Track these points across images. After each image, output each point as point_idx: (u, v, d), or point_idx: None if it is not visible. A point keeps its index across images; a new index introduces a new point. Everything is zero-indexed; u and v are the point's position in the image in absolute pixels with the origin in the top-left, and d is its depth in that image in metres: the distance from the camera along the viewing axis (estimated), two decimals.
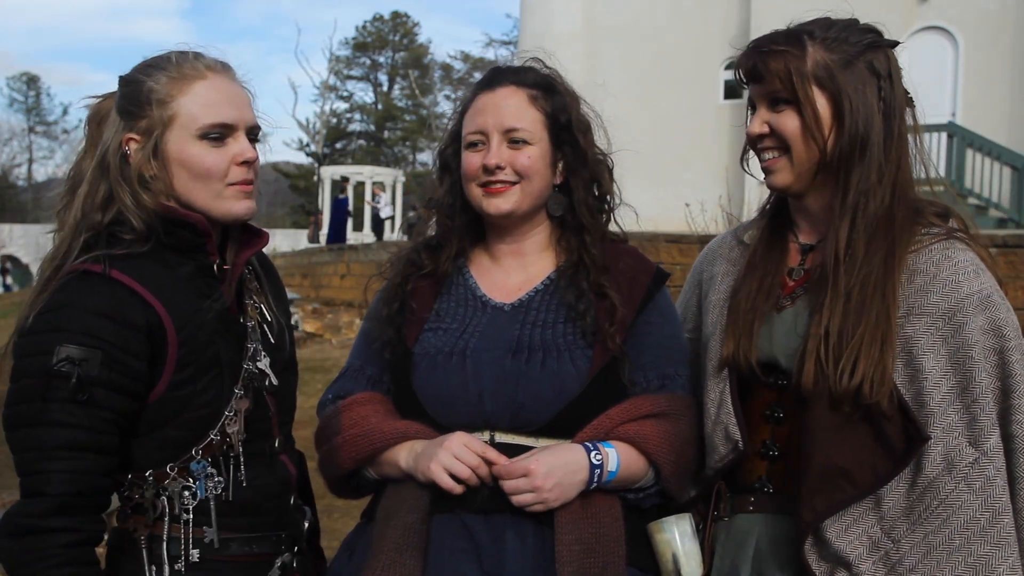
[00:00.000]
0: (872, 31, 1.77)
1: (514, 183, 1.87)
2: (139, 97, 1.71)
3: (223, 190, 1.74)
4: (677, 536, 1.83)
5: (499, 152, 1.86)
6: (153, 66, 1.74)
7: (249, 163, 1.76)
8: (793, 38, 1.75)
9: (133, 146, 1.71)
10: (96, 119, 1.78)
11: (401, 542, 1.74)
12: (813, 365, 1.70)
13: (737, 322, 1.84)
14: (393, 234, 25.95)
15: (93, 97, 1.81)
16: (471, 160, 1.90)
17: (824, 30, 1.75)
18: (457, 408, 1.82)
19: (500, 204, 1.88)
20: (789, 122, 1.75)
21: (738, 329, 1.83)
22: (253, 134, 1.79)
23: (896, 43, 1.79)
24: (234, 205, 1.76)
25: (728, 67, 19.67)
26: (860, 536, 1.68)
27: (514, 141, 1.87)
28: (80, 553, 1.63)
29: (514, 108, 1.88)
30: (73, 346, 1.60)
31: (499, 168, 1.86)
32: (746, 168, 1.90)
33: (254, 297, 1.88)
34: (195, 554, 1.71)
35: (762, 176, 1.84)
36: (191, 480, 1.72)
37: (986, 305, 1.68)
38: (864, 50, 1.74)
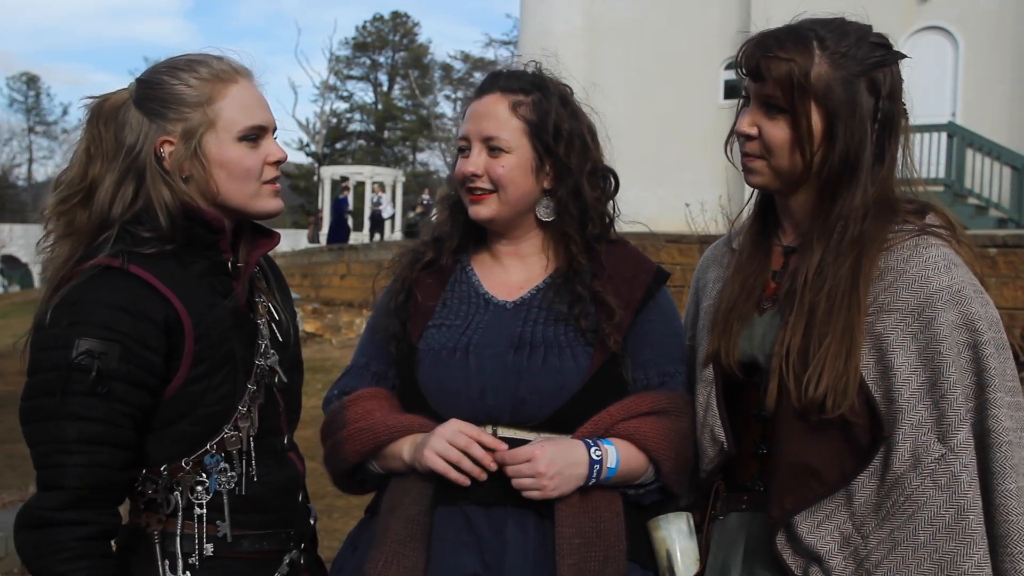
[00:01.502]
0: (883, 46, 1.74)
1: (492, 191, 1.90)
2: (173, 100, 1.73)
3: (259, 189, 1.80)
4: (673, 533, 1.84)
5: (477, 160, 1.90)
6: (179, 68, 1.76)
7: (279, 163, 1.83)
8: (802, 45, 1.71)
9: (167, 148, 1.73)
10: (100, 119, 1.77)
11: (404, 534, 1.76)
12: (776, 384, 1.71)
13: (718, 322, 1.85)
14: (393, 233, 25.97)
15: (92, 97, 1.81)
16: (459, 166, 1.95)
17: (835, 40, 1.71)
18: (460, 403, 1.83)
19: (480, 211, 1.92)
20: (779, 132, 1.73)
21: (718, 329, 1.84)
22: (274, 133, 1.85)
23: (903, 56, 1.77)
24: (269, 203, 1.82)
25: (728, 67, 19.68)
26: (832, 532, 1.68)
27: (492, 149, 1.90)
28: (96, 546, 1.64)
29: (494, 117, 1.91)
30: (93, 339, 1.61)
31: (476, 176, 1.90)
32: (729, 156, 1.89)
33: (263, 296, 1.91)
34: (209, 548, 1.72)
35: (741, 168, 1.83)
36: (204, 475, 1.73)
37: (957, 300, 1.66)
38: (869, 68, 1.71)
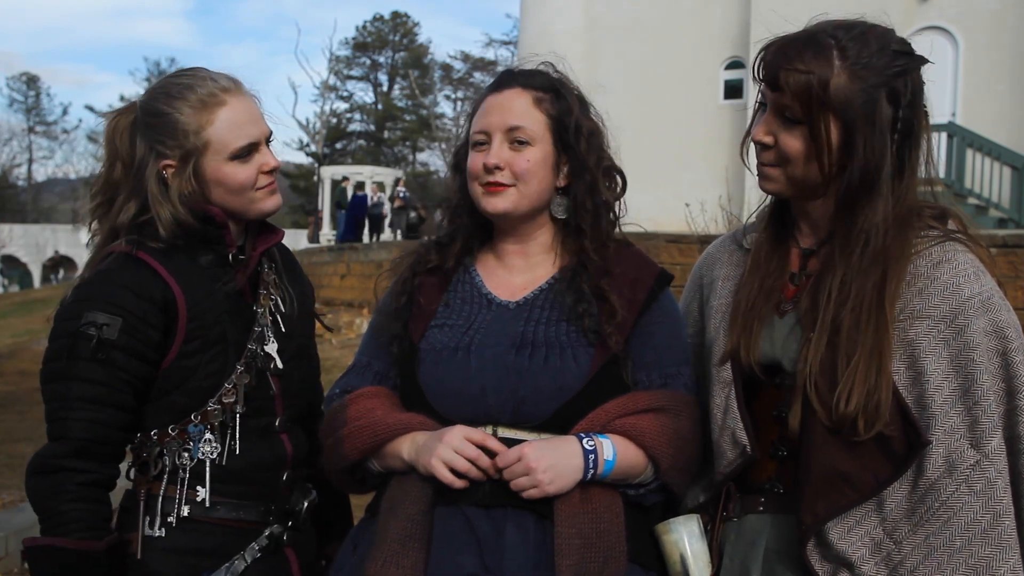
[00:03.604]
0: (905, 53, 1.72)
1: (511, 185, 1.89)
2: (169, 130, 1.92)
3: (254, 195, 1.97)
4: (685, 537, 1.82)
5: (499, 152, 1.89)
6: (173, 96, 1.94)
7: (274, 171, 2.00)
8: (822, 55, 1.68)
9: (170, 171, 1.93)
10: (116, 133, 1.98)
11: (404, 534, 1.75)
12: (800, 400, 1.70)
13: (737, 320, 1.83)
14: (395, 235, 25.85)
15: (110, 113, 2.02)
16: (474, 159, 1.93)
17: (856, 49, 1.68)
18: (460, 402, 1.83)
19: (497, 203, 1.90)
20: (795, 143, 1.71)
21: (738, 327, 1.82)
22: (268, 140, 2.01)
23: (925, 61, 1.75)
24: (265, 204, 2.00)
25: (728, 67, 19.70)
26: (863, 538, 1.67)
27: (515, 141, 1.89)
28: (92, 492, 1.85)
29: (518, 109, 1.90)
30: (99, 312, 1.85)
31: (497, 168, 1.88)
32: (744, 159, 1.88)
33: (270, 288, 2.06)
34: (186, 510, 1.91)
35: (756, 173, 1.82)
36: (190, 443, 1.92)
37: (987, 307, 1.67)
38: (890, 78, 1.69)
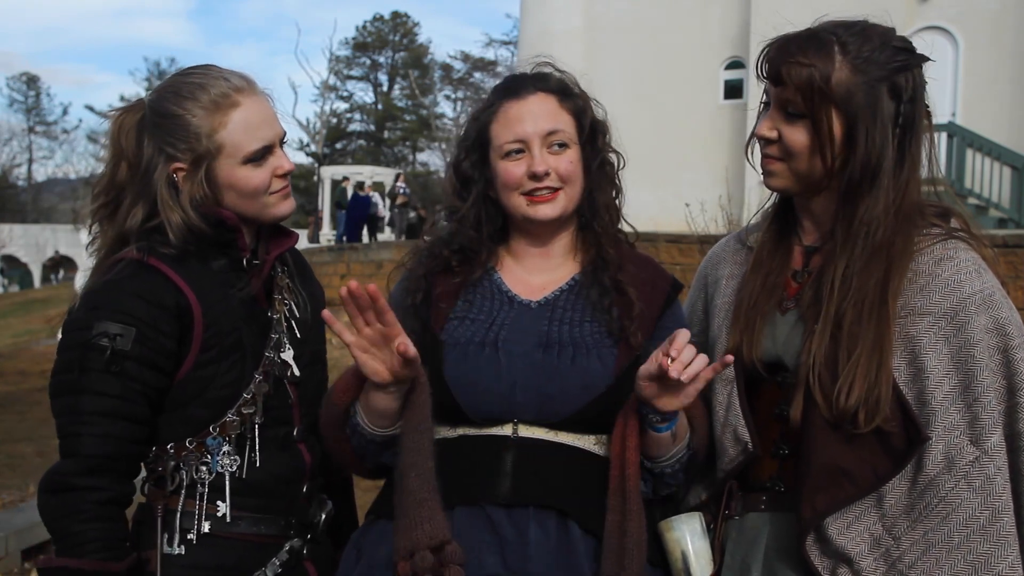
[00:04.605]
0: (906, 50, 1.74)
1: (558, 189, 1.89)
2: (180, 132, 1.84)
3: (267, 199, 1.91)
4: (687, 534, 1.84)
5: (544, 158, 1.88)
6: (183, 96, 1.85)
7: (287, 174, 1.93)
8: (823, 50, 1.70)
9: (180, 175, 1.86)
10: (123, 132, 1.90)
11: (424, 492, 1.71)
12: (802, 394, 1.71)
13: (740, 317, 1.85)
14: (400, 238, 25.77)
15: (115, 111, 1.94)
16: (512, 170, 1.90)
17: (857, 45, 1.70)
18: (488, 398, 1.83)
19: (548, 211, 1.90)
20: (798, 137, 1.73)
21: (740, 325, 1.84)
22: (282, 142, 1.94)
23: (926, 58, 1.77)
24: (279, 208, 1.93)
25: (728, 67, 19.69)
26: (862, 533, 1.68)
27: (553, 145, 1.89)
28: (108, 510, 1.78)
29: (551, 113, 1.90)
30: (110, 322, 1.77)
31: (546, 175, 1.88)
32: (749, 158, 1.89)
33: (284, 293, 2.00)
34: (206, 526, 1.84)
35: (761, 170, 1.84)
36: (208, 456, 1.85)
37: (989, 304, 1.68)
38: (891, 73, 1.71)
